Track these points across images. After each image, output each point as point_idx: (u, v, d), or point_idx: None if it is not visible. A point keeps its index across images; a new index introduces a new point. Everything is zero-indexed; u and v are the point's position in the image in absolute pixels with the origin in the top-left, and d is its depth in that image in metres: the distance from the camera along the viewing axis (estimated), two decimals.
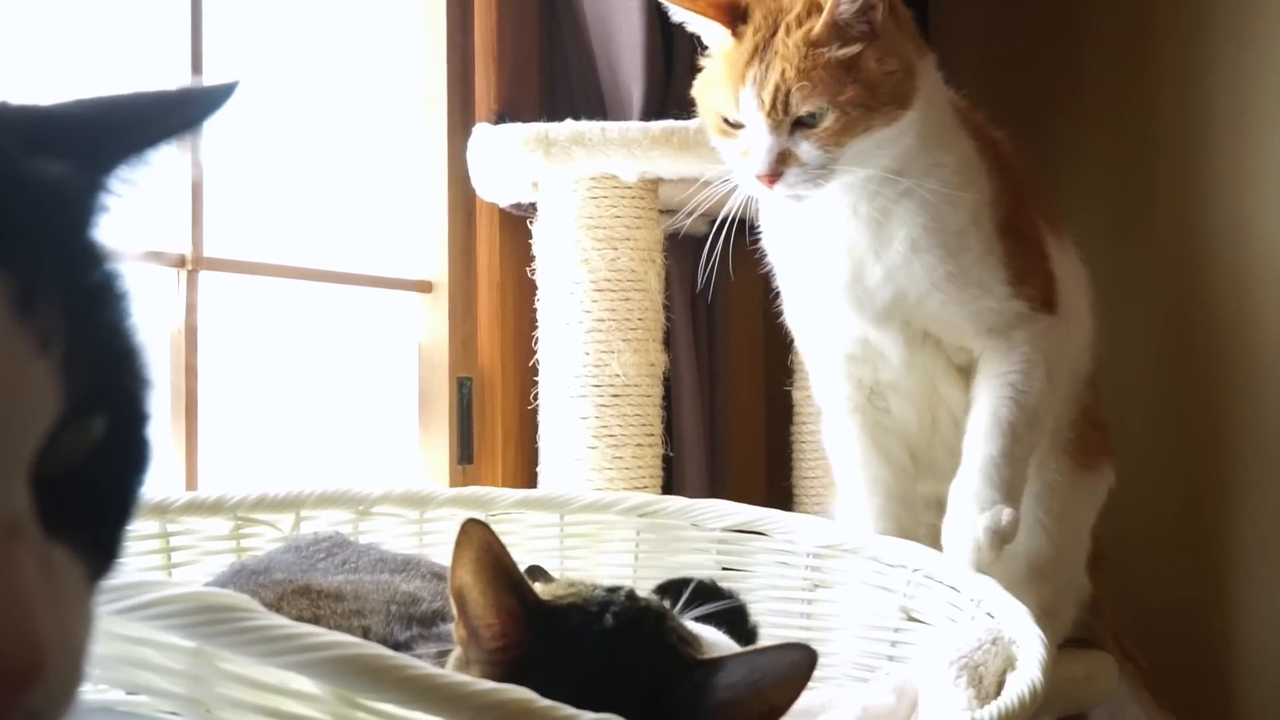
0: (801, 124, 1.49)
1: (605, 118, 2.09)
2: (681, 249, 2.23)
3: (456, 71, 2.17)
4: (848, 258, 1.57)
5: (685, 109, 2.07)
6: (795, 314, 1.72)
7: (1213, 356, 2.49)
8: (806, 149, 1.49)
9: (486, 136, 2.01)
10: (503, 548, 0.94)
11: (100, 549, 0.47)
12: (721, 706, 0.91)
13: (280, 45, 2.01)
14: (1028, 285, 1.62)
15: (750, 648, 0.94)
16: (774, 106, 1.48)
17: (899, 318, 1.59)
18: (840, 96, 1.47)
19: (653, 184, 2.01)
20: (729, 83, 1.52)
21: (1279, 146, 2.42)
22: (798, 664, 0.91)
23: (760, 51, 1.49)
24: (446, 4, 2.16)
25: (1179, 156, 2.53)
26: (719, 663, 0.93)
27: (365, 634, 1.12)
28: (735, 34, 1.52)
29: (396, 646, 1.09)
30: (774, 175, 1.49)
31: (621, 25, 2.13)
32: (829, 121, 1.48)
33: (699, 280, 1.69)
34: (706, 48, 1.61)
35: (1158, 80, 2.57)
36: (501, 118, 2.11)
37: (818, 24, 1.47)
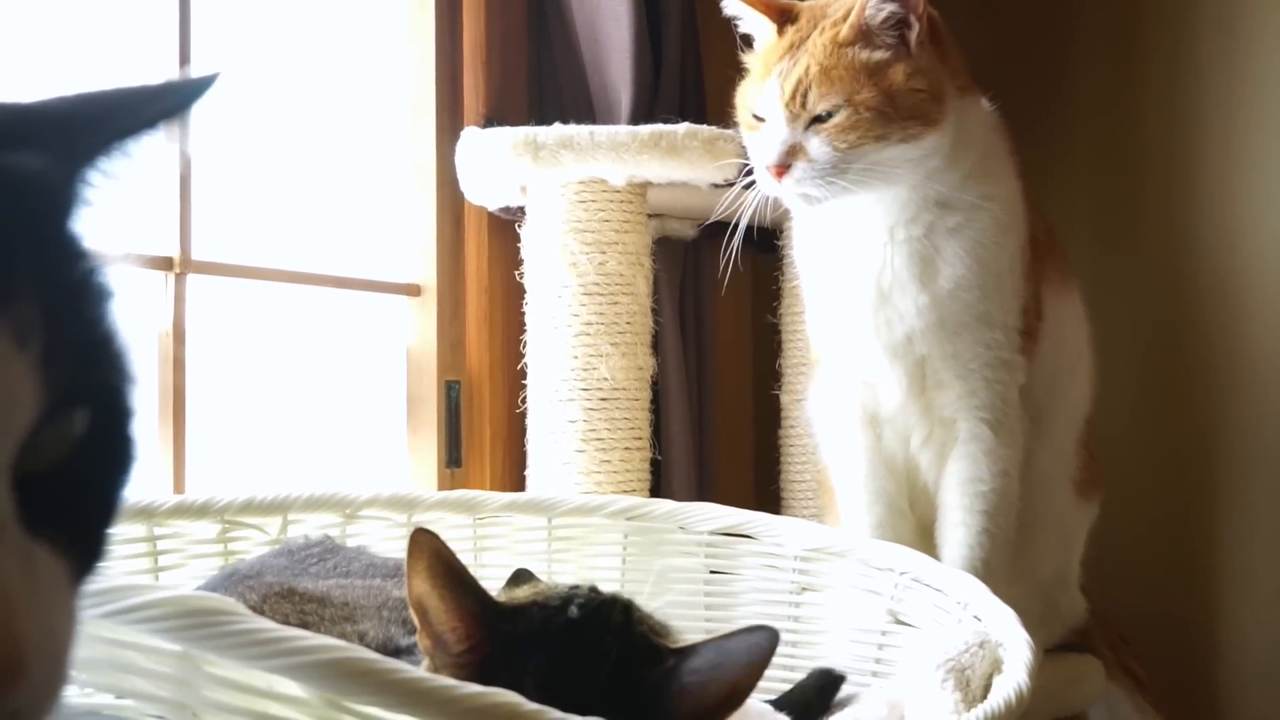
0: (817, 121, 1.51)
1: (594, 122, 2.09)
2: (670, 253, 2.24)
3: (445, 75, 2.17)
4: (874, 283, 1.59)
5: (673, 113, 2.08)
6: (817, 326, 1.74)
7: (1200, 363, 2.49)
8: (816, 144, 1.51)
9: (475, 140, 2.01)
10: (452, 554, 0.95)
11: (84, 548, 0.46)
12: (684, 690, 0.91)
13: (269, 48, 2.01)
14: (1031, 338, 1.66)
15: (720, 634, 0.95)
16: (793, 98, 1.51)
17: (914, 355, 1.61)
18: (856, 96, 1.50)
19: (641, 188, 2.01)
20: (760, 77, 1.57)
21: (1267, 150, 2.43)
22: (760, 645, 0.92)
23: (794, 49, 1.54)
24: (435, 8, 2.16)
25: (1166, 161, 2.54)
26: (690, 650, 0.94)
27: (361, 639, 1.11)
28: (780, 32, 1.57)
29: (397, 652, 1.09)
30: (782, 167, 1.52)
31: (610, 30, 2.13)
32: (840, 118, 1.50)
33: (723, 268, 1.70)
34: (747, 49, 1.66)
35: (1145, 84, 2.58)
36: (490, 121, 2.11)
37: (845, 26, 1.51)
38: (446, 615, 0.93)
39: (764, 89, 1.55)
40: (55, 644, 0.44)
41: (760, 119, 1.57)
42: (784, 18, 1.58)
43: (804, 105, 1.51)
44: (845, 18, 1.53)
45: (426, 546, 0.93)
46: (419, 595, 0.94)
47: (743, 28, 1.64)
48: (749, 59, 1.63)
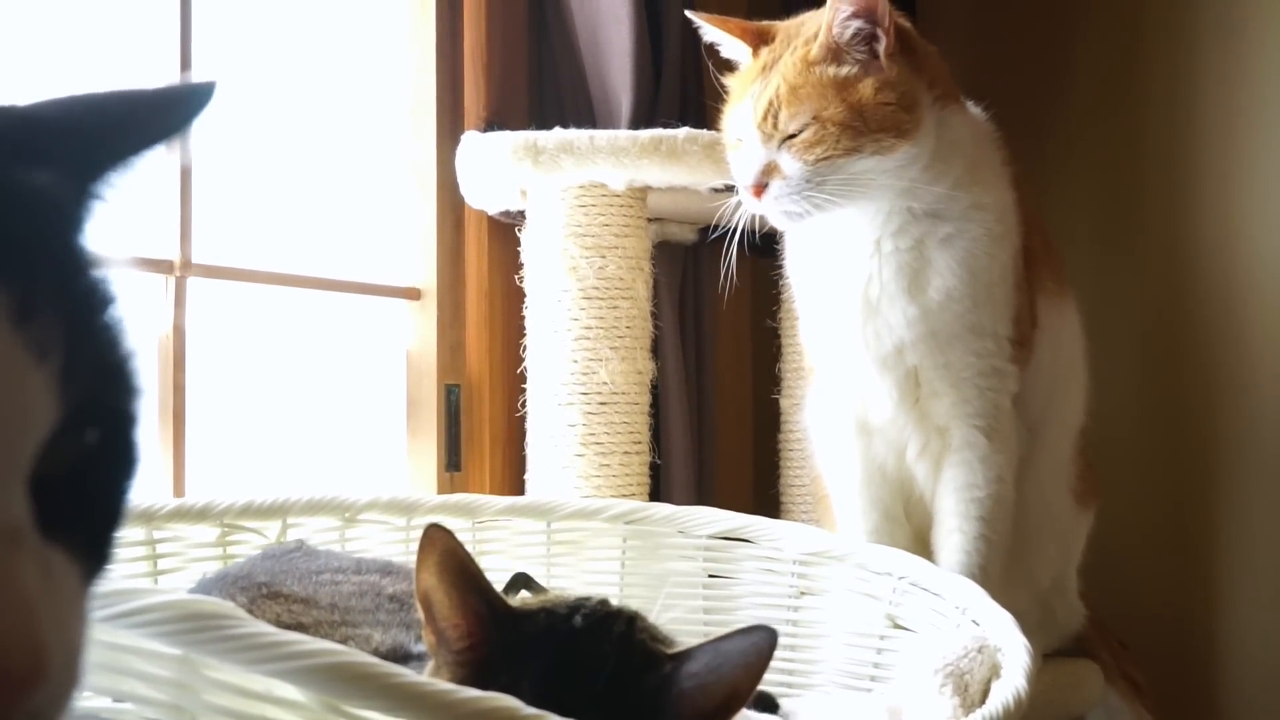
0: (791, 139, 1.53)
1: (594, 126, 2.10)
2: (670, 257, 2.24)
3: (446, 79, 2.17)
4: (862, 296, 1.60)
5: (674, 118, 2.09)
6: (809, 338, 1.75)
7: (1200, 368, 2.49)
8: (787, 161, 1.53)
9: (475, 144, 2.01)
10: (466, 553, 0.95)
11: (93, 551, 0.47)
12: (684, 695, 0.91)
13: (270, 52, 2.01)
14: (1024, 347, 1.66)
15: (717, 635, 0.94)
16: (764, 119, 1.54)
17: (904, 366, 1.61)
18: (824, 112, 1.51)
19: (641, 192, 2.01)
20: (737, 99, 1.60)
21: (1267, 156, 2.43)
22: (758, 645, 0.91)
23: (767, 70, 1.56)
24: (436, 12, 2.16)
25: (1167, 167, 2.54)
26: (686, 654, 0.93)
27: (367, 644, 1.11)
28: (755, 55, 1.60)
29: (407, 659, 1.09)
30: (759, 186, 1.54)
31: (611, 33, 2.14)
32: (807, 134, 1.52)
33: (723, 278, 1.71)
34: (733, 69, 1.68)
35: (1145, 91, 2.58)
36: (490, 126, 2.11)
37: (815, 45, 1.53)
38: (451, 611, 0.94)
39: (739, 111, 1.58)
40: (71, 646, 0.45)
41: (741, 140, 1.59)
42: (759, 40, 1.60)
43: (776, 125, 1.53)
44: (815, 36, 1.54)
45: (439, 542, 0.94)
46: (426, 589, 0.94)
47: (724, 52, 1.67)
48: (729, 82, 1.65)
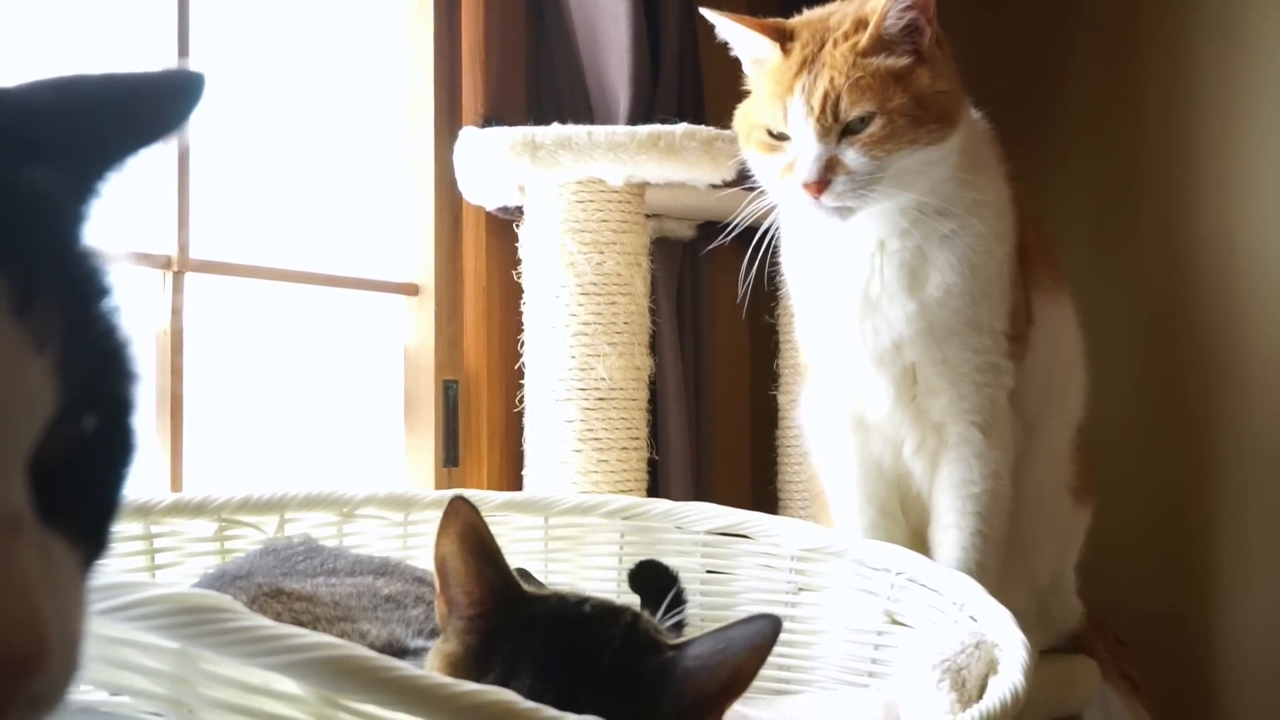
0: (848, 132, 1.51)
1: (592, 122, 2.10)
2: (667, 253, 2.24)
3: (443, 75, 2.17)
4: (862, 293, 1.60)
5: (671, 114, 2.09)
6: (805, 335, 1.74)
7: (1197, 365, 2.50)
8: (853, 156, 1.50)
9: (473, 140, 2.01)
10: (487, 529, 0.98)
11: (91, 539, 0.48)
12: (688, 673, 0.93)
13: (268, 48, 2.01)
14: (1020, 343, 1.66)
15: (721, 624, 0.96)
16: (823, 111, 1.50)
17: (901, 362, 1.61)
18: (889, 103, 1.50)
19: (639, 188, 2.01)
20: (776, 95, 1.54)
21: (1264, 154, 2.43)
22: (762, 632, 0.93)
23: (809, 64, 1.52)
24: (434, 7, 2.16)
25: (1163, 162, 2.54)
26: (690, 641, 0.96)
27: (363, 639, 1.12)
28: (785, 51, 1.55)
29: (403, 653, 1.09)
30: (822, 183, 1.51)
31: (609, 29, 2.14)
32: (875, 127, 1.50)
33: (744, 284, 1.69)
34: (742, 72, 1.64)
35: (1143, 86, 2.58)
36: (488, 121, 2.11)
37: (864, 36, 1.51)
38: (465, 578, 0.96)
39: (789, 106, 1.52)
40: (71, 632, 0.46)
41: (778, 137, 1.55)
42: (784, 36, 1.57)
43: (835, 118, 1.50)
44: (857, 29, 1.52)
45: (463, 513, 0.97)
46: (444, 555, 0.96)
47: (735, 51, 1.63)
48: (753, 81, 1.62)
